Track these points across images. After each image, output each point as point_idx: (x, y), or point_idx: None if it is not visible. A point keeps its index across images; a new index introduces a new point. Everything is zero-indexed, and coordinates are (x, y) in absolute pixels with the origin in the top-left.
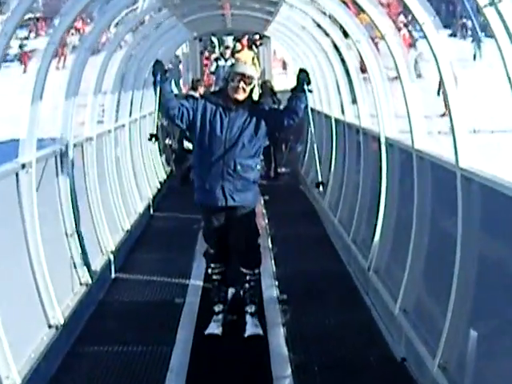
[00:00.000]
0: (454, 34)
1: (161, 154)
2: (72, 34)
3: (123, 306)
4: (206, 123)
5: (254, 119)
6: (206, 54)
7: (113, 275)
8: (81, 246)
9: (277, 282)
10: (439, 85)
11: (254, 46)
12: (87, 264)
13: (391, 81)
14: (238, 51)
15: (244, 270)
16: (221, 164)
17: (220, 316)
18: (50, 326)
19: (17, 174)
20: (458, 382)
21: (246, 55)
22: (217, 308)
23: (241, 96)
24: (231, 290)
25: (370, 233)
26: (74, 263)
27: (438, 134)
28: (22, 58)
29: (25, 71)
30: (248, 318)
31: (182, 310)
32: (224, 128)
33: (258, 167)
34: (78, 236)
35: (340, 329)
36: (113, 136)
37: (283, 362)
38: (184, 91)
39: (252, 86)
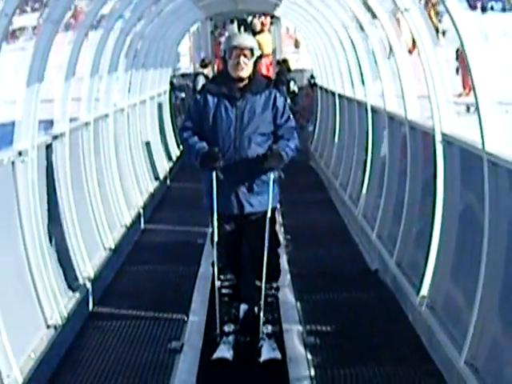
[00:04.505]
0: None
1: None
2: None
3: (155, 245)
4: (210, 120)
5: (266, 108)
6: (222, 38)
7: (142, 226)
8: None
9: (282, 229)
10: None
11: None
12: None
13: None
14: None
15: (260, 284)
16: (232, 165)
17: (230, 337)
18: (104, 248)
19: (13, 163)
20: (408, 273)
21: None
22: (227, 328)
23: (244, 72)
24: (243, 307)
25: (360, 185)
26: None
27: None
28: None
29: None
30: (264, 340)
31: (203, 246)
32: (231, 122)
33: None
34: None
35: (330, 254)
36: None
37: (284, 273)
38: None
39: (255, 58)
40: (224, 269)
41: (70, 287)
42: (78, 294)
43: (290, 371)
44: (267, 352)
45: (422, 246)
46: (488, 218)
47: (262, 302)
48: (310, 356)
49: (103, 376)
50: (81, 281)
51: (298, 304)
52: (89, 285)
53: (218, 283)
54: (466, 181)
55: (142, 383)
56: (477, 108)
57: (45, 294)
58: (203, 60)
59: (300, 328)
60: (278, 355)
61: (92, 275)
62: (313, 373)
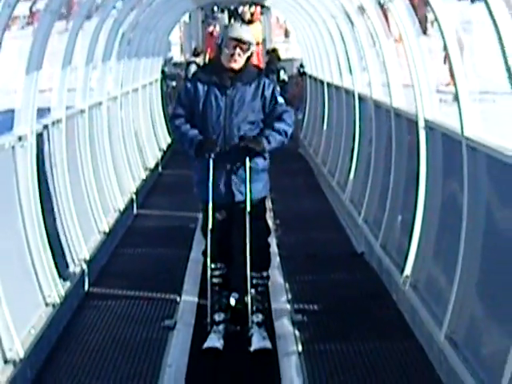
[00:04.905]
0: None
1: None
2: None
3: (148, 229)
4: (200, 108)
5: (255, 97)
6: (211, 28)
7: (135, 211)
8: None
9: (272, 214)
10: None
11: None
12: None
13: None
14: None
15: (250, 273)
16: (222, 153)
17: (221, 326)
18: (99, 232)
19: (13, 148)
20: (393, 255)
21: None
22: (217, 317)
23: (236, 65)
24: (234, 296)
25: (348, 172)
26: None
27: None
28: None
29: None
30: (254, 329)
31: (195, 231)
32: (221, 110)
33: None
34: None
35: (318, 237)
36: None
37: (274, 256)
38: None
39: (249, 53)
40: (215, 258)
41: (66, 268)
42: (74, 275)
43: (279, 347)
44: (257, 341)
45: (406, 229)
46: (467, 200)
47: (251, 291)
48: (297, 333)
49: (100, 352)
50: (77, 262)
51: (287, 285)
52: (84, 266)
53: (208, 272)
54: (447, 166)
55: (137, 359)
56: (456, 95)
57: (43, 274)
58: (195, 49)
59: (288, 307)
60: (269, 344)
61: (88, 257)
62: (300, 348)
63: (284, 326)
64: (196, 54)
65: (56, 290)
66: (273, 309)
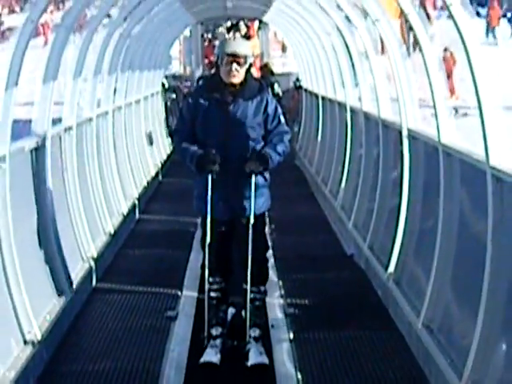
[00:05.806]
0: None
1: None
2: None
3: (150, 232)
4: (201, 124)
5: (257, 113)
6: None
7: (137, 216)
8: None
9: (268, 219)
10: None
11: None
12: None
13: None
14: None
15: (248, 287)
16: (222, 169)
17: (218, 341)
18: (105, 233)
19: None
20: (378, 255)
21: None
22: (214, 331)
23: (236, 79)
24: (231, 311)
25: (339, 180)
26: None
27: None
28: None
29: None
30: (251, 343)
31: (194, 235)
32: (222, 126)
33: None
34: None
35: (311, 241)
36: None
37: (269, 257)
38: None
39: (247, 65)
40: (213, 272)
41: (76, 264)
42: (83, 271)
43: (272, 335)
44: (255, 356)
45: (390, 231)
46: (442, 203)
47: (248, 305)
48: (289, 323)
49: (108, 337)
50: (85, 259)
51: (280, 282)
52: (92, 263)
53: (206, 286)
54: (427, 172)
55: (142, 344)
56: (434, 107)
57: (57, 267)
58: (210, 62)
59: (281, 301)
60: (266, 360)
61: (95, 255)
62: (291, 336)
63: (277, 317)
64: (210, 66)
65: (68, 282)
66: (267, 302)
